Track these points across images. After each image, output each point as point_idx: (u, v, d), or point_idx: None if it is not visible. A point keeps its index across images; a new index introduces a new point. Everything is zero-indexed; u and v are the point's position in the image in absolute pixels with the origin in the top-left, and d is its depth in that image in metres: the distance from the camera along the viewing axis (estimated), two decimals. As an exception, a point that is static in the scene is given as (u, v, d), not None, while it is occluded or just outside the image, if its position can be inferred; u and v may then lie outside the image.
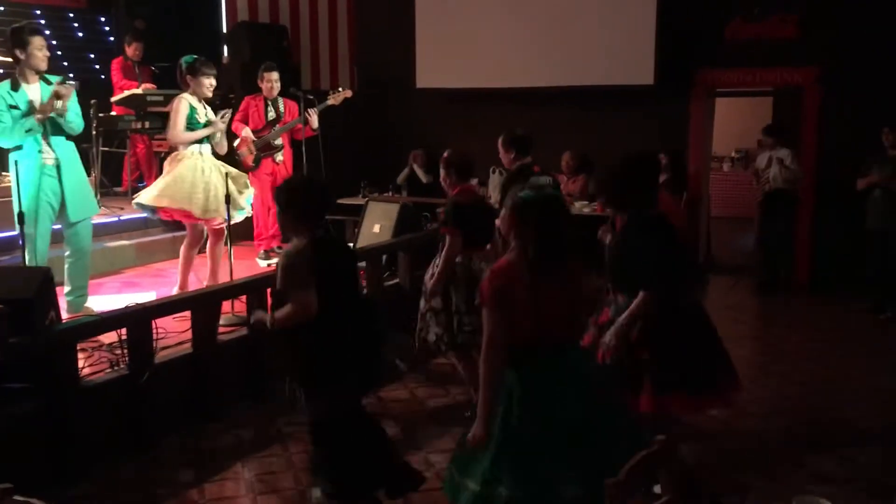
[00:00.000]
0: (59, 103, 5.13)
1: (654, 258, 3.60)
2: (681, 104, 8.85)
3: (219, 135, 5.85)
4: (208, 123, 5.79)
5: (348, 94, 7.20)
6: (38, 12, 9.19)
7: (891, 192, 7.14)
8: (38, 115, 5.09)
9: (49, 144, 5.22)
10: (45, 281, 4.21)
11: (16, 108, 5.06)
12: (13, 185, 5.12)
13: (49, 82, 5.21)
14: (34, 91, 5.16)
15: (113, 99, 8.39)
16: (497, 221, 4.30)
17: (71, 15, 9.59)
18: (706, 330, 3.87)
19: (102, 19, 9.94)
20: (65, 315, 4.98)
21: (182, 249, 5.89)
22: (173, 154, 5.84)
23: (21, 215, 4.96)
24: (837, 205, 8.09)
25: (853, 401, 5.27)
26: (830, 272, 8.25)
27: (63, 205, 5.29)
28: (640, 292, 3.58)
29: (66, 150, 5.35)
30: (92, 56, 9.63)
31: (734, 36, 8.54)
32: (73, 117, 5.29)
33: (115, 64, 8.80)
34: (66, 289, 5.43)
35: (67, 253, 5.46)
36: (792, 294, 8.20)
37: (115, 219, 7.37)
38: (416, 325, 4.87)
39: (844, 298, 7.70)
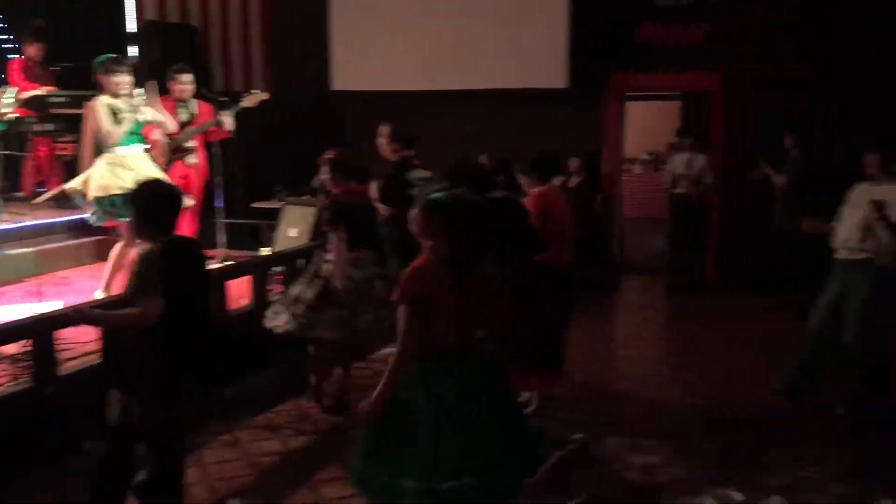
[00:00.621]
0: None
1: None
2: (594, 107, 9.04)
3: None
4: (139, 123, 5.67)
5: (264, 96, 7.04)
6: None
7: (796, 192, 7.47)
8: None
9: None
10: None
11: None
12: None
13: None
14: None
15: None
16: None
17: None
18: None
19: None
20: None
21: (117, 248, 5.73)
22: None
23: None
24: (743, 206, 8.40)
25: (760, 392, 5.47)
26: (738, 272, 8.56)
27: None
28: None
29: None
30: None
31: (644, 40, 8.77)
32: None
33: (15, 64, 8.40)
34: None
35: None
36: (701, 293, 8.48)
37: (16, 225, 7.03)
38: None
39: (751, 297, 8.00)
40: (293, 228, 7.04)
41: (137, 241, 3.29)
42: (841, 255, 4.86)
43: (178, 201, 3.43)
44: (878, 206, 4.57)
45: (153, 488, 3.27)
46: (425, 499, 2.86)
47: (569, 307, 5.08)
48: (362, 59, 9.47)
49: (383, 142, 6.22)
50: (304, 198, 8.37)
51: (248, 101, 6.89)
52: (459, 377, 2.97)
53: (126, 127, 5.67)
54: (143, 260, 3.20)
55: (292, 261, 6.29)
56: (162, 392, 3.21)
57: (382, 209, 5.67)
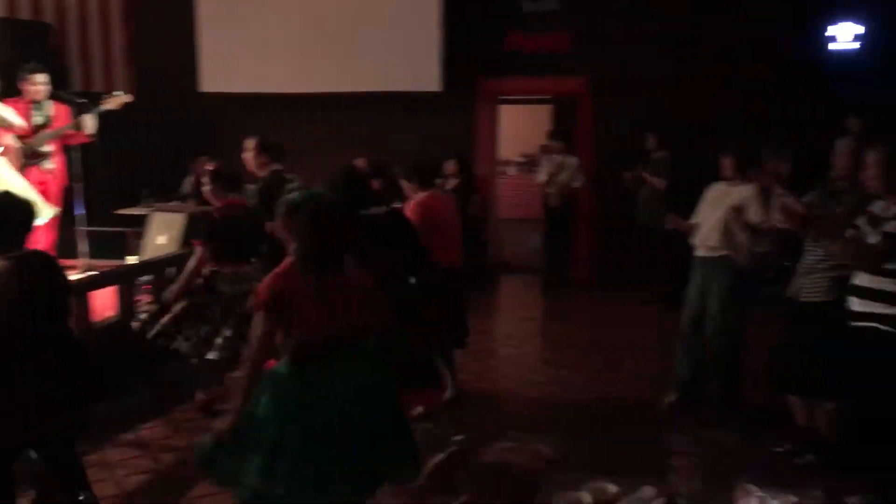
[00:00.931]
0: None
1: None
2: (467, 111, 9.17)
3: None
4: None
5: (127, 98, 6.68)
6: None
7: (657, 190, 7.83)
8: None
9: None
10: None
11: None
12: None
13: None
14: None
15: None
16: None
17: None
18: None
19: None
20: None
21: None
22: None
23: None
24: (611, 204, 8.73)
25: (633, 385, 5.69)
26: (610, 269, 8.88)
27: None
28: None
29: None
30: None
31: (514, 47, 8.98)
32: None
33: None
34: None
35: None
36: (576, 291, 8.74)
37: None
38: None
39: (623, 292, 8.31)
40: (161, 236, 6.75)
41: None
42: (700, 252, 5.10)
43: (32, 214, 3.22)
44: (737, 211, 4.87)
45: None
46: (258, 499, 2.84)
47: (463, 317, 5.13)
48: (233, 61, 9.21)
49: (250, 156, 5.98)
50: (173, 204, 8.05)
51: (110, 104, 6.54)
52: (321, 380, 2.92)
53: None
54: None
55: (161, 270, 6.03)
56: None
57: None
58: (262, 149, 5.83)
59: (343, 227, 2.99)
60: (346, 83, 8.93)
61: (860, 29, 8.43)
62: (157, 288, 5.82)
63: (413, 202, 4.91)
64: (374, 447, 2.92)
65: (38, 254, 3.21)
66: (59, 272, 3.13)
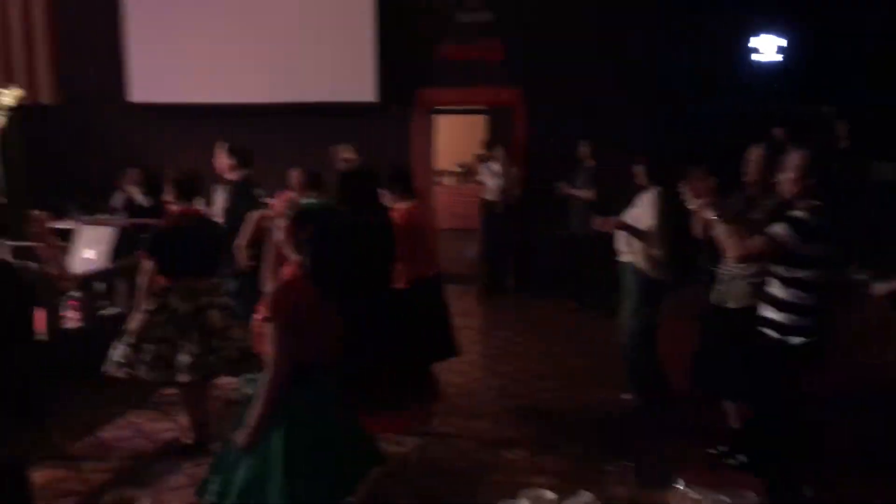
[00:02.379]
0: None
1: None
2: (403, 121, 9.17)
3: None
4: None
5: (20, 92, 6.42)
6: None
7: (588, 200, 7.95)
8: None
9: None
10: None
11: None
12: None
13: None
14: None
15: None
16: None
17: None
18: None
19: None
20: None
21: None
22: None
23: None
24: (544, 213, 8.83)
25: (563, 386, 5.75)
26: (540, 275, 8.98)
27: None
28: None
29: None
30: None
31: (449, 57, 9.03)
32: None
33: None
34: None
35: None
36: (510, 298, 8.81)
37: None
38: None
39: (552, 298, 8.42)
40: (89, 250, 6.55)
41: None
42: (619, 257, 5.30)
43: None
44: (621, 225, 5.11)
45: None
46: None
47: (444, 328, 5.05)
48: (163, 71, 9.04)
49: (221, 160, 5.78)
50: (101, 217, 7.83)
51: (5, 100, 6.29)
52: (314, 392, 2.89)
53: None
54: None
55: (89, 285, 5.86)
56: None
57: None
58: (232, 152, 5.69)
59: (345, 242, 2.96)
60: (281, 94, 8.86)
61: (783, 42, 8.73)
62: (85, 303, 5.67)
63: (401, 211, 4.77)
64: (343, 465, 2.91)
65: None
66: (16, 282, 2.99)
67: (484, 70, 9.00)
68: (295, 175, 7.57)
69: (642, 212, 5.13)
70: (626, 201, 5.36)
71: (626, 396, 5.41)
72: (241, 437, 2.83)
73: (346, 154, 7.08)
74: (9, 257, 3.18)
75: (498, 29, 8.99)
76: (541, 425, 5.16)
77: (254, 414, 2.80)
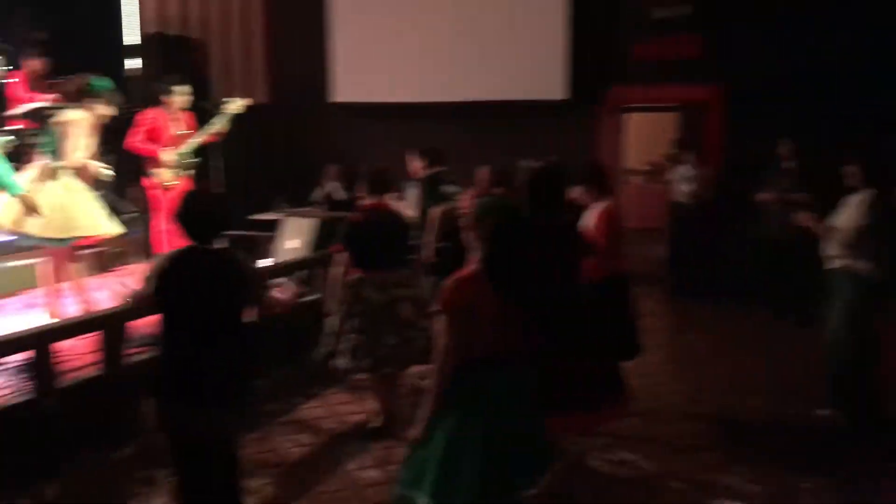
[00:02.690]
0: None
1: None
2: (591, 119, 9.09)
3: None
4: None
5: (248, 101, 7.01)
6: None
7: (787, 203, 7.48)
8: None
9: None
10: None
11: None
12: None
13: None
14: None
15: (9, 113, 8.02)
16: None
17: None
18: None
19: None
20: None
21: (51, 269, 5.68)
22: None
23: None
24: (740, 216, 8.41)
25: (756, 398, 5.49)
26: (731, 280, 8.57)
27: None
28: None
29: None
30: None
31: (642, 55, 8.83)
32: None
33: (17, 76, 8.43)
34: None
35: None
36: (697, 302, 8.48)
37: (14, 238, 7.03)
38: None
39: (743, 304, 8.02)
40: (293, 240, 7.04)
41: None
42: (830, 264, 4.92)
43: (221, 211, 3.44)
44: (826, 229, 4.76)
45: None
46: None
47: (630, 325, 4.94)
48: (363, 72, 9.54)
49: (414, 164, 6.14)
50: (304, 209, 8.40)
51: (233, 108, 6.86)
52: (490, 390, 2.93)
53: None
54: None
55: (291, 272, 6.30)
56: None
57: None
58: (422, 155, 6.06)
59: (526, 241, 3.01)
60: (471, 92, 9.06)
61: None
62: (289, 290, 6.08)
63: (602, 211, 4.69)
64: (517, 462, 2.93)
65: (226, 250, 3.41)
66: (241, 266, 3.33)
67: (678, 66, 8.72)
68: (482, 173, 7.74)
69: (852, 214, 4.74)
70: (831, 204, 5.01)
71: (823, 413, 5.05)
72: (412, 429, 2.92)
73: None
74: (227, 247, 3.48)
75: (696, 24, 8.67)
76: (727, 435, 4.97)
77: (424, 407, 2.88)
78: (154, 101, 6.90)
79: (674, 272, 8.75)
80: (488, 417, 2.89)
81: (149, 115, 6.69)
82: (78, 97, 5.54)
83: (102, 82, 5.69)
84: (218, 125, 6.72)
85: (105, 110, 5.66)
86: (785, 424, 5.10)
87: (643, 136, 12.30)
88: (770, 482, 4.25)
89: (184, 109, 6.88)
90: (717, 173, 8.69)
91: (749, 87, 8.45)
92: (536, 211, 4.05)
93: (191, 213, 3.28)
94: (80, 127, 5.54)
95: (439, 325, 2.90)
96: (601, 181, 4.84)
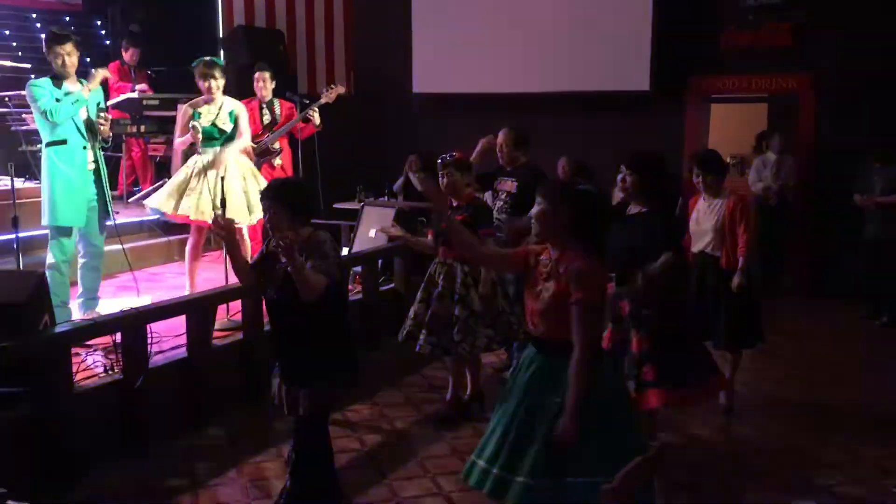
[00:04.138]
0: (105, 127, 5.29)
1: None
2: (676, 110, 8.91)
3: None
4: (214, 127, 5.74)
5: (341, 90, 7.19)
6: (34, 15, 9.17)
7: (882, 206, 7.16)
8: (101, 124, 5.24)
9: (93, 150, 5.29)
10: (38, 285, 4.20)
11: (59, 101, 5.09)
12: (47, 184, 5.14)
13: (81, 83, 5.24)
14: (73, 87, 5.19)
15: (108, 102, 8.36)
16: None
17: (67, 18, 9.56)
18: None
19: (98, 23, 9.92)
20: (77, 317, 5.15)
21: (186, 250, 5.94)
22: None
23: (16, 219, 4.96)
24: (832, 210, 8.12)
25: (849, 400, 5.30)
26: (825, 278, 8.28)
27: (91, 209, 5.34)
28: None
29: (101, 157, 5.43)
30: (88, 59, 9.58)
31: (729, 44, 8.60)
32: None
33: (112, 67, 8.78)
34: (79, 291, 5.44)
35: (83, 258, 5.45)
36: (781, 299, 8.21)
37: (111, 223, 7.33)
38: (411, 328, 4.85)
39: (839, 304, 7.73)
40: (372, 229, 7.13)
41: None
42: None
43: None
44: None
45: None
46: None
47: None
48: (444, 62, 9.58)
49: (503, 147, 5.58)
50: (384, 199, 8.49)
51: (327, 97, 7.05)
52: (606, 376, 3.02)
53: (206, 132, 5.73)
54: (325, 243, 3.40)
55: (373, 261, 6.39)
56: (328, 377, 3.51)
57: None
58: (517, 142, 5.53)
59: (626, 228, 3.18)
60: (553, 82, 8.99)
61: None
62: (366, 277, 6.19)
63: (742, 196, 5.04)
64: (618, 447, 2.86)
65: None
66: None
67: (767, 56, 8.45)
68: (562, 163, 7.67)
69: None
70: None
71: None
72: (562, 427, 2.82)
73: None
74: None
75: (786, 11, 8.38)
76: (808, 434, 4.81)
77: (570, 401, 2.82)
78: (250, 91, 7.11)
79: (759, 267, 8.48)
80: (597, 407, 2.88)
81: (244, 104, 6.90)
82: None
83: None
84: (315, 115, 6.88)
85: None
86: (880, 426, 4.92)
87: (729, 127, 11.99)
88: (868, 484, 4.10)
89: (282, 99, 7.09)
90: (810, 165, 8.39)
91: (841, 77, 8.13)
92: (645, 199, 4.07)
93: (286, 197, 3.43)
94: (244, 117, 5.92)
95: (578, 314, 2.85)
96: (720, 167, 5.02)
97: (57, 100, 5.06)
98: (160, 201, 5.73)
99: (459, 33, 9.48)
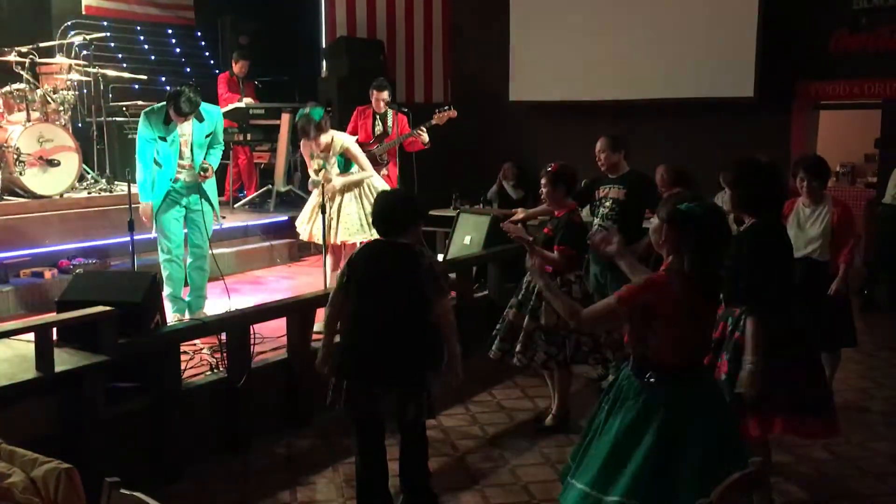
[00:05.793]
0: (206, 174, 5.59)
1: (772, 272, 3.57)
2: (782, 117, 8.62)
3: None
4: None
5: (453, 114, 7.29)
6: (139, 28, 9.63)
7: None
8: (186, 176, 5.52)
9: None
10: (152, 285, 4.41)
11: (164, 139, 5.39)
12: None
13: (202, 118, 5.48)
14: (185, 126, 5.47)
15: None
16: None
17: (169, 31, 10.00)
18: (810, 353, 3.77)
19: (199, 34, 10.33)
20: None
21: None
22: None
23: (132, 222, 5.24)
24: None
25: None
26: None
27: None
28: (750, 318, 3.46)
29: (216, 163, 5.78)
30: (188, 70, 10.01)
31: (839, 47, 8.27)
32: (215, 161, 5.72)
33: (222, 78, 9.17)
34: (188, 290, 5.76)
35: (189, 258, 5.76)
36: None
37: (217, 227, 7.63)
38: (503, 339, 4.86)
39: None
40: (467, 236, 7.18)
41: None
42: None
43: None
44: None
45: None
46: None
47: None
48: (541, 71, 9.58)
49: (602, 155, 5.52)
50: (478, 207, 8.54)
51: (438, 119, 7.19)
52: (674, 399, 2.84)
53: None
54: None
55: (468, 268, 6.43)
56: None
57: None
58: (612, 146, 5.46)
59: (725, 246, 2.91)
60: (653, 90, 8.85)
61: None
62: (458, 284, 6.22)
63: (846, 205, 5.00)
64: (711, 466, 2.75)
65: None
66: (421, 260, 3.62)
67: (881, 60, 8.08)
68: (660, 171, 7.54)
69: None
70: None
71: None
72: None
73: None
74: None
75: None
76: None
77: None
78: (351, 101, 7.31)
79: (870, 279, 8.08)
80: (669, 423, 2.81)
81: (359, 112, 7.15)
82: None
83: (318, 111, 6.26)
84: (424, 134, 7.01)
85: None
86: None
87: (838, 134, 11.50)
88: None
89: (394, 111, 7.25)
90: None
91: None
92: (752, 211, 3.78)
93: (376, 208, 3.65)
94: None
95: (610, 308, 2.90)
96: (823, 173, 4.96)
97: (162, 137, 5.35)
98: (299, 227, 6.18)
99: (558, 42, 9.44)
